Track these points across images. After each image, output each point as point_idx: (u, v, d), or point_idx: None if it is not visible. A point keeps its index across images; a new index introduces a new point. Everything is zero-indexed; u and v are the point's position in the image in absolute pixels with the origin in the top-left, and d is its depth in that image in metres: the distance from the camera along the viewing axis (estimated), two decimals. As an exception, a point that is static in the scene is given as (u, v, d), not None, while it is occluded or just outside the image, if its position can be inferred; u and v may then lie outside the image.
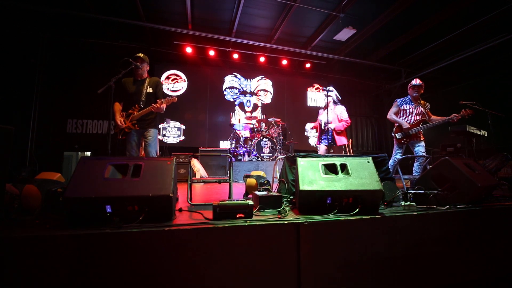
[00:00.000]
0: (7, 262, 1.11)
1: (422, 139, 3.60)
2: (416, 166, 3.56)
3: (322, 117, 4.13)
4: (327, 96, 4.08)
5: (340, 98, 4.25)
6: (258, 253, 1.36)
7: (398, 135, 3.67)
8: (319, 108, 4.66)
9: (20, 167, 5.59)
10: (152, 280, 1.22)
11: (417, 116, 3.63)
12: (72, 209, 1.31)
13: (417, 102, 3.71)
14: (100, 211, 1.33)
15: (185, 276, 1.26)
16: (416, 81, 3.71)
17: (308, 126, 4.34)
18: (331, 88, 4.16)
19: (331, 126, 3.94)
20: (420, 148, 3.56)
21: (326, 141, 4.05)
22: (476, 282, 1.76)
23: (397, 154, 3.74)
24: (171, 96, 3.09)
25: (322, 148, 4.12)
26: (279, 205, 1.75)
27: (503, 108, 4.40)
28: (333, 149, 4.09)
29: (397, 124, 3.73)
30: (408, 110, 3.69)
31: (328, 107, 4.09)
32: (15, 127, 1.42)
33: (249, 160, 6.02)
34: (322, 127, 4.13)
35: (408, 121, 3.66)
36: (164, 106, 3.04)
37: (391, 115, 3.81)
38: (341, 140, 3.99)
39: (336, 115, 4.06)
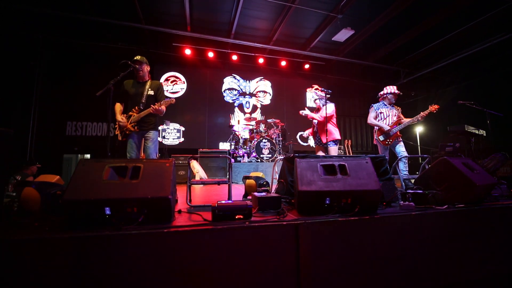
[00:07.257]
0: (7, 264, 1.11)
1: (401, 138, 3.84)
2: (401, 165, 3.66)
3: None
4: (326, 97, 4.06)
5: (329, 92, 4.12)
6: (257, 254, 1.36)
7: (381, 138, 3.89)
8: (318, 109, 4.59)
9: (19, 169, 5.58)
10: (151, 281, 1.22)
11: (394, 117, 3.92)
12: (71, 211, 1.31)
13: (391, 105, 4.04)
14: (99, 213, 1.33)
15: (184, 277, 1.26)
16: (395, 89, 4.01)
17: (305, 134, 4.31)
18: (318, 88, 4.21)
19: (305, 112, 4.13)
20: (401, 148, 3.77)
21: (314, 140, 4.22)
22: (475, 281, 1.77)
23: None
24: (170, 98, 3.11)
25: (316, 148, 4.19)
26: (278, 206, 1.75)
27: (501, 108, 4.41)
28: (327, 150, 3.93)
29: (377, 128, 3.96)
30: (384, 113, 3.97)
31: (321, 109, 4.08)
32: (15, 130, 1.43)
33: (249, 161, 6.02)
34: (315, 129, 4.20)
35: (387, 123, 3.89)
36: (163, 108, 3.05)
37: (371, 120, 4.01)
38: (324, 137, 3.85)
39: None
